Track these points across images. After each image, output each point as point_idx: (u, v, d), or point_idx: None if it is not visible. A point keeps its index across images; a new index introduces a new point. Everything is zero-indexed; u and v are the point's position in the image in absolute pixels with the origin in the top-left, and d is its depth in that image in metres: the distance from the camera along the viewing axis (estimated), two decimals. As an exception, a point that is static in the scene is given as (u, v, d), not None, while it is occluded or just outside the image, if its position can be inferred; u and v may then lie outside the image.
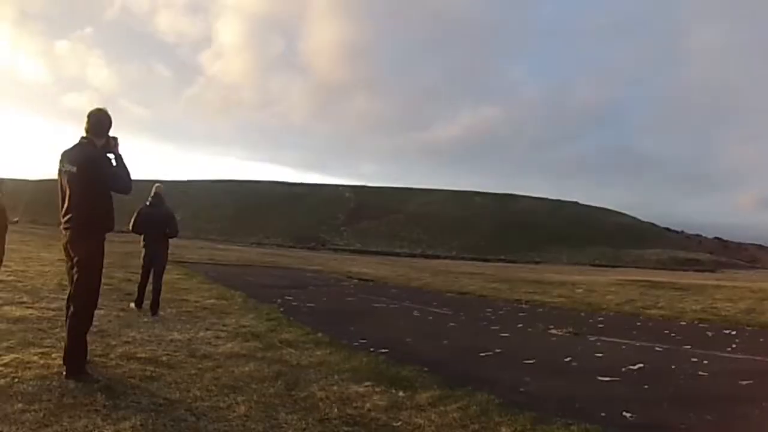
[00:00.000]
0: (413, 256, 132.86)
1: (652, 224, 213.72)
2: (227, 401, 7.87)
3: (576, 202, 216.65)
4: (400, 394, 8.85)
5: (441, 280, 43.46)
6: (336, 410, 7.84)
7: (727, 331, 20.25)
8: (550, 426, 7.77)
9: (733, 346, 17.06)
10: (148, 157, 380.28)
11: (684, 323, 22.61)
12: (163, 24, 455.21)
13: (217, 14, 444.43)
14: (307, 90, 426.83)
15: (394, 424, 7.55)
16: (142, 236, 16.14)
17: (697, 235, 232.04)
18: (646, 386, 11.17)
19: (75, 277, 8.39)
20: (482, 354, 13.78)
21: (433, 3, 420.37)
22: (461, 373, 11.28)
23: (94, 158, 8.33)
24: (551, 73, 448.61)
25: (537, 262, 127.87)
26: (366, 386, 9.16)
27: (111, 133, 8.50)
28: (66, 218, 8.41)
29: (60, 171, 8.33)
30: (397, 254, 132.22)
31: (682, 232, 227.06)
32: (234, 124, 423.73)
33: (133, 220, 15.57)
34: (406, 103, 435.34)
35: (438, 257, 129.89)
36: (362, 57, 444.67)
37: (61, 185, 8.38)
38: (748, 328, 21.38)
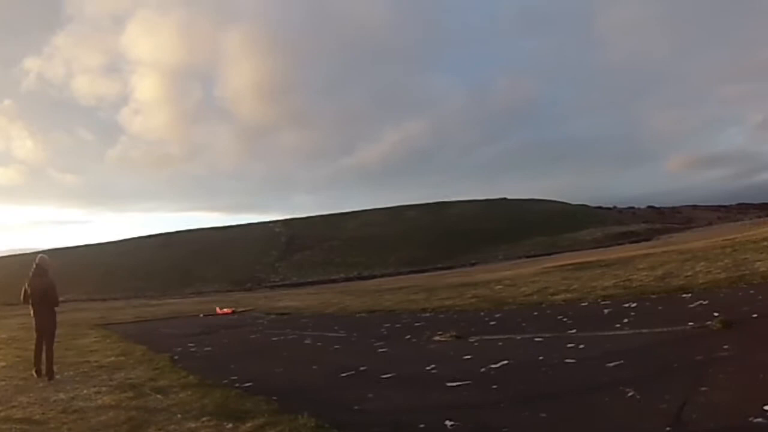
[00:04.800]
0: (349, 279, 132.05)
1: (584, 206, 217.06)
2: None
3: (505, 198, 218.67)
4: (228, 425, 9.29)
5: (360, 302, 42.77)
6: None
7: (627, 305, 19.40)
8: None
9: (625, 321, 16.22)
10: (79, 224, 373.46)
11: (586, 304, 21.98)
12: (81, 88, 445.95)
13: (131, 72, 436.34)
14: (232, 133, 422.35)
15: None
16: (31, 306, 16.26)
17: (630, 208, 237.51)
18: (494, 386, 10.82)
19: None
20: (344, 374, 13.88)
21: (347, 30, 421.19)
22: (309, 398, 11.52)
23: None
24: (470, 78, 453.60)
25: (473, 264, 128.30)
26: (202, 421, 9.66)
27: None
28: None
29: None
30: (334, 281, 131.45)
31: (615, 207, 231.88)
32: (163, 178, 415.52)
33: (22, 291, 16.03)
34: (332, 130, 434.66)
35: (374, 277, 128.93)
36: (283, 92, 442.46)
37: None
38: (653, 296, 20.64)
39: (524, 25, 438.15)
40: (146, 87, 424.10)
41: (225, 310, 47.54)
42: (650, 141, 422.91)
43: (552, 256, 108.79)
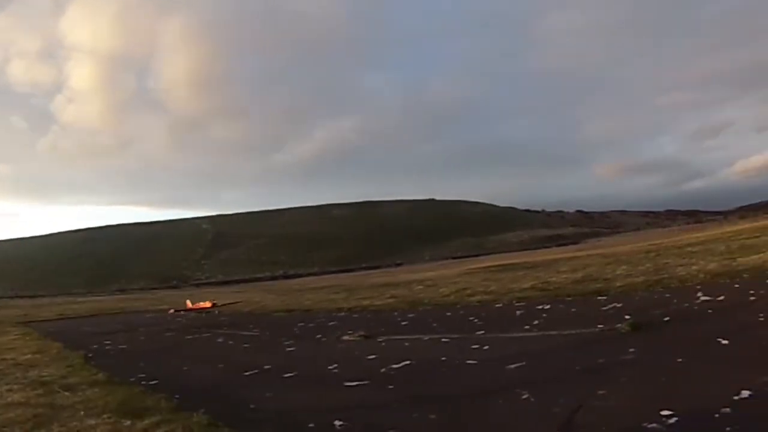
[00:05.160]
0: (275, 278, 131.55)
1: (512, 208, 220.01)
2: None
3: (433, 199, 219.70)
4: (126, 422, 9.11)
5: (280, 301, 43.05)
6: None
7: (541, 307, 19.34)
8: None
9: (535, 323, 16.03)
10: (7, 216, 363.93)
11: (500, 305, 21.82)
12: (17, 74, 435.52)
13: (67, 58, 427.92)
14: (164, 126, 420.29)
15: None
16: None
17: (559, 212, 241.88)
18: (391, 387, 10.83)
19: None
20: (248, 373, 13.93)
21: (287, 26, 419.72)
22: (209, 396, 11.51)
23: None
24: (406, 77, 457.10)
25: (399, 264, 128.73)
26: (103, 418, 9.48)
27: None
28: None
29: None
30: (259, 279, 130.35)
31: (543, 210, 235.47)
32: (94, 169, 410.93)
33: None
34: (264, 125, 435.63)
35: (300, 276, 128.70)
36: (216, 85, 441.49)
37: None
38: (569, 299, 20.61)
39: (462, 26, 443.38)
40: (81, 75, 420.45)
41: (202, 304, 42.90)
42: (582, 146, 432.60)
43: (478, 258, 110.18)
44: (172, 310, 42.96)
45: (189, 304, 43.76)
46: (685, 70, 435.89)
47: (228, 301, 44.44)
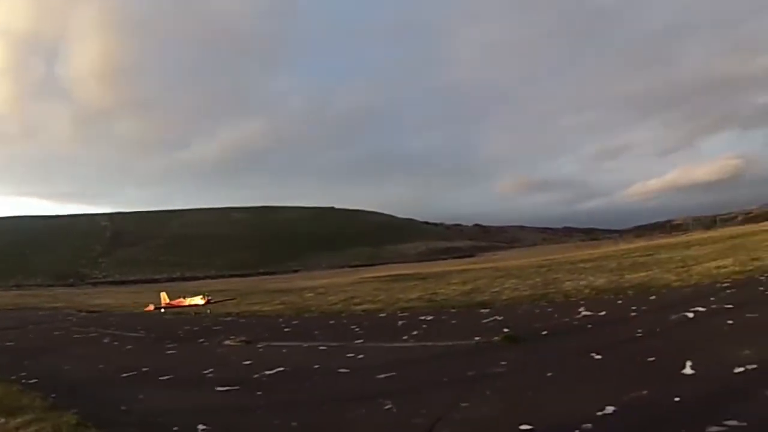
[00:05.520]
0: (172, 280, 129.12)
1: (411, 219, 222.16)
2: None
3: (333, 207, 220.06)
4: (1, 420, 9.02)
5: None
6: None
7: (424, 317, 19.50)
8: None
9: (415, 333, 16.09)
10: None
11: (384, 315, 21.96)
12: None
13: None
14: (71, 116, 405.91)
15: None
16: None
17: (457, 225, 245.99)
18: (260, 392, 10.74)
19: None
20: (126, 374, 13.84)
21: (200, 23, 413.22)
22: (85, 395, 11.47)
23: None
24: (315, 83, 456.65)
25: (296, 271, 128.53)
26: None
27: None
28: None
29: None
30: (156, 281, 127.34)
31: (442, 224, 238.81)
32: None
33: None
34: (170, 123, 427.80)
35: (197, 278, 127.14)
36: (126, 78, 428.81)
37: None
38: (453, 310, 20.82)
39: (374, 36, 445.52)
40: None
41: (188, 300, 33.99)
42: (484, 161, 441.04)
43: (374, 267, 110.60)
44: (151, 307, 35.08)
45: (165, 298, 35.41)
46: (589, 92, 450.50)
47: (220, 299, 37.09)
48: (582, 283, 24.53)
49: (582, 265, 39.49)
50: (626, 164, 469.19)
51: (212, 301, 33.46)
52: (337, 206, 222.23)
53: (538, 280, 29.48)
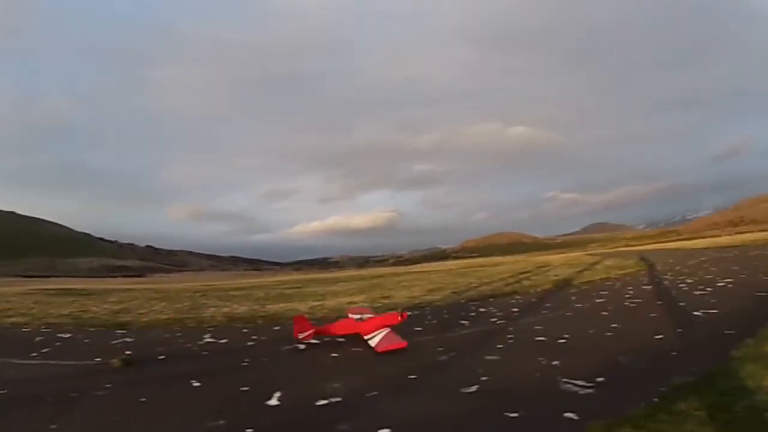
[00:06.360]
0: None
1: (87, 234, 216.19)
2: None
3: (14, 213, 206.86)
4: None
5: None
6: None
7: (63, 334, 20.10)
8: None
9: (45, 350, 16.72)
10: None
11: (27, 329, 22.10)
12: None
13: None
14: None
15: None
16: None
17: (130, 244, 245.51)
18: None
19: None
20: None
21: None
22: None
23: None
24: (20, 89, 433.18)
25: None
26: None
27: None
28: None
29: None
30: None
31: (116, 241, 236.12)
32: None
33: None
34: None
35: None
36: None
37: None
38: (91, 329, 21.44)
39: (93, 56, 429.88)
40: None
41: (373, 317, 17.99)
42: (164, 186, 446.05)
43: (48, 279, 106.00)
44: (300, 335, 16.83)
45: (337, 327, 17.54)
46: (269, 140, 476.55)
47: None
48: (224, 310, 26.17)
49: (234, 292, 41.20)
50: (293, 206, 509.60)
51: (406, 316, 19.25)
52: (18, 212, 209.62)
53: (186, 304, 30.76)
